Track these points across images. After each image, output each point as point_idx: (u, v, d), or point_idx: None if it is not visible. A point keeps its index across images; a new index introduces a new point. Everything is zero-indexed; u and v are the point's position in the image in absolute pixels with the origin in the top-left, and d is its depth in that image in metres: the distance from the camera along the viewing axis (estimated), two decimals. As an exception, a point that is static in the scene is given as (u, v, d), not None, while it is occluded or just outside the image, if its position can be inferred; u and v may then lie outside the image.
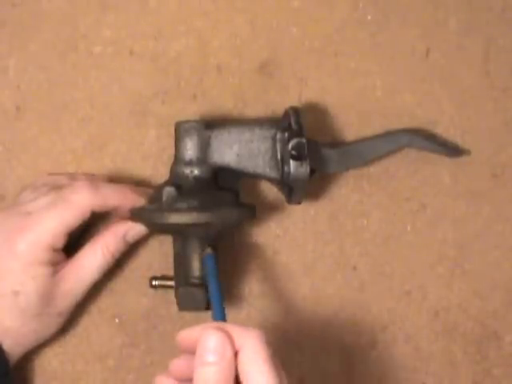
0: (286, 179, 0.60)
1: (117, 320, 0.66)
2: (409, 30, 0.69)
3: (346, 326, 0.68)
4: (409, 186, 0.69)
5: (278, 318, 0.68)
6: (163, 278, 0.64)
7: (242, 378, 0.45)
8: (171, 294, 0.63)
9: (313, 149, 0.62)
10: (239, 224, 0.64)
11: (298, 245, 0.68)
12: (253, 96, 0.67)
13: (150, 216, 0.60)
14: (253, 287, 0.68)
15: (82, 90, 0.67)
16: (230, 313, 0.67)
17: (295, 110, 0.62)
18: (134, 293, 0.66)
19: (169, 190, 0.59)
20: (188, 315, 0.66)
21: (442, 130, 0.69)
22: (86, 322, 0.66)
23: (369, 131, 0.68)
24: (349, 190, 0.68)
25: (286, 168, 0.60)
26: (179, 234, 0.61)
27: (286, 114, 0.63)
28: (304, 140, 0.60)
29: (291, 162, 0.60)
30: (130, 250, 0.66)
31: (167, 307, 0.66)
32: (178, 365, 0.50)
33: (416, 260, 0.69)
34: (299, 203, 0.63)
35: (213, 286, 0.55)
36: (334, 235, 0.68)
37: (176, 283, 0.61)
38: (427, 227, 0.69)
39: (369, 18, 0.69)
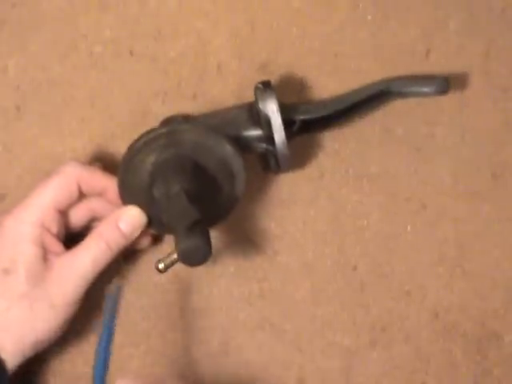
0: (263, 122, 0.61)
1: (117, 320, 0.66)
2: (409, 30, 0.70)
3: (346, 325, 0.68)
4: (409, 186, 0.69)
5: (278, 317, 0.68)
6: (167, 255, 0.57)
7: None
8: (171, 294, 0.64)
9: (288, 104, 0.63)
10: (214, 146, 0.59)
11: (298, 245, 0.68)
12: (253, 96, 0.67)
13: (123, 160, 0.58)
14: (253, 287, 0.68)
15: (82, 90, 0.67)
16: (230, 313, 0.67)
17: (264, 81, 0.63)
18: (133, 293, 0.66)
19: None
20: (188, 316, 0.66)
21: (442, 130, 0.69)
22: (85, 322, 0.66)
23: (368, 131, 0.68)
24: (349, 190, 0.68)
25: (257, 107, 0.61)
26: (158, 175, 0.58)
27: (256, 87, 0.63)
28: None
29: (258, 93, 0.61)
30: (130, 251, 0.66)
31: (167, 307, 0.66)
32: None
33: (416, 260, 0.69)
34: (288, 162, 0.62)
35: (105, 333, 0.53)
36: (334, 235, 0.68)
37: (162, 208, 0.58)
38: (427, 227, 0.69)
39: (369, 18, 0.69)
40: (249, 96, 0.66)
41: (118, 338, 0.66)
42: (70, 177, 0.59)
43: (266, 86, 0.61)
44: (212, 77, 0.68)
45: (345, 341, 0.68)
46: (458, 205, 0.69)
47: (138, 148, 0.58)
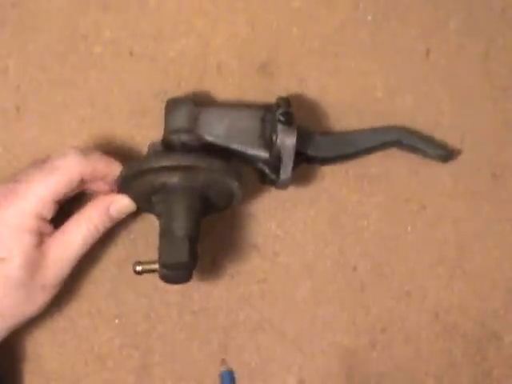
0: (274, 153, 0.60)
1: (117, 321, 0.66)
2: (409, 29, 0.69)
3: (346, 326, 0.68)
4: (409, 187, 0.69)
5: (278, 318, 0.68)
6: (148, 262, 0.60)
7: None
8: (171, 294, 0.63)
9: (302, 133, 0.62)
10: (226, 189, 0.60)
11: (299, 245, 0.68)
12: (253, 96, 0.67)
13: (135, 166, 0.58)
14: (253, 288, 0.68)
15: (82, 90, 0.67)
16: (230, 314, 0.67)
17: (285, 99, 0.63)
18: (133, 293, 0.66)
19: (154, 142, 0.58)
20: (188, 316, 0.67)
21: (442, 130, 0.69)
22: (86, 323, 0.66)
23: (369, 131, 0.68)
24: (349, 190, 0.68)
25: (273, 137, 0.60)
26: (164, 192, 0.59)
27: (276, 103, 0.63)
28: (291, 110, 0.60)
29: (279, 126, 0.60)
30: (130, 251, 0.66)
31: (167, 308, 0.66)
32: None
33: (416, 260, 0.69)
34: (286, 186, 0.62)
35: None
36: (334, 236, 0.68)
37: (160, 237, 0.59)
38: (427, 228, 0.69)
39: (369, 18, 0.69)
40: (249, 97, 0.66)
41: (118, 338, 0.66)
42: (73, 174, 0.58)
43: (288, 121, 0.60)
44: (212, 77, 0.67)
45: (345, 341, 0.68)
46: (457, 205, 0.70)
47: (151, 168, 0.58)
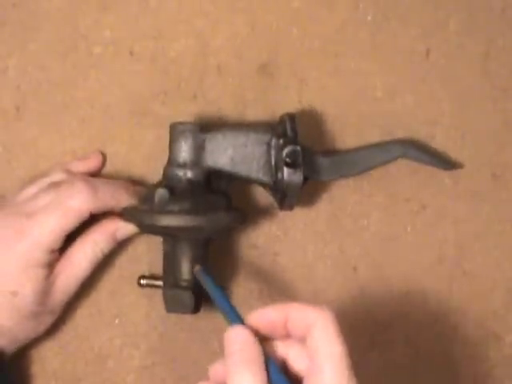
0: (279, 185, 0.60)
1: (117, 321, 0.66)
2: (409, 30, 0.69)
3: (346, 326, 0.68)
4: (409, 187, 0.69)
5: (277, 318, 0.68)
6: (152, 277, 0.65)
7: (311, 352, 0.47)
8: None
9: (306, 156, 0.61)
10: (230, 229, 0.63)
11: (299, 246, 0.68)
12: (253, 96, 0.67)
13: (142, 217, 0.60)
14: (253, 288, 0.68)
15: (82, 90, 0.67)
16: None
17: (291, 117, 0.62)
18: (134, 293, 0.66)
19: (161, 192, 0.59)
20: (188, 317, 0.66)
21: (442, 130, 0.69)
22: (86, 323, 0.66)
23: (368, 132, 0.68)
24: (349, 190, 0.68)
25: (279, 175, 0.60)
26: (170, 235, 0.61)
27: (282, 120, 0.63)
28: (298, 148, 0.60)
29: (285, 169, 0.60)
30: (131, 252, 0.66)
31: (167, 308, 0.66)
32: (216, 369, 0.50)
33: (416, 260, 0.69)
34: (291, 209, 0.63)
35: (218, 297, 0.53)
36: (334, 236, 0.68)
37: (164, 285, 0.62)
38: (427, 228, 0.69)
39: (369, 18, 0.69)
40: (248, 96, 0.66)
41: (118, 338, 0.66)
42: (83, 212, 0.60)
43: (294, 164, 0.60)
44: (212, 77, 0.67)
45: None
46: (457, 205, 0.69)
47: (156, 225, 0.59)
